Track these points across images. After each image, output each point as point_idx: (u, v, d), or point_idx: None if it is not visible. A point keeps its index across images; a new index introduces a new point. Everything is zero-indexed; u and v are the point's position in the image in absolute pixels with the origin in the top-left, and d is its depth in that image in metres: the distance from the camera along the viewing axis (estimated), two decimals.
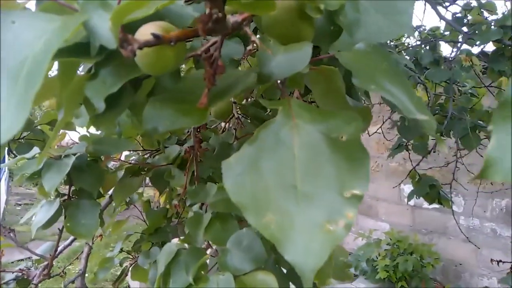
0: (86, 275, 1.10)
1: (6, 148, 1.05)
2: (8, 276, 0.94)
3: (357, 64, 0.35)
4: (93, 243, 1.08)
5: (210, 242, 0.65)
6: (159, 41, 0.29)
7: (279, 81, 0.40)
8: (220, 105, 0.91)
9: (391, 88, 0.33)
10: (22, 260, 3.02)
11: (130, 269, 1.12)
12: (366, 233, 3.47)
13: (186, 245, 0.58)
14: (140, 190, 1.29)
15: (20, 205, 5.39)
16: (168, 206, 1.16)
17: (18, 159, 0.75)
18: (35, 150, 0.73)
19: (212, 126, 1.10)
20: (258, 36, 0.50)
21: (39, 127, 1.17)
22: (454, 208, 3.07)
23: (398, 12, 0.39)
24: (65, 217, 0.72)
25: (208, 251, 0.63)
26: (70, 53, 0.31)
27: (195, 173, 0.78)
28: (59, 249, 0.93)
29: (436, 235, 3.23)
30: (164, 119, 0.34)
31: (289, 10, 0.39)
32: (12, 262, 3.18)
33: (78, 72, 0.37)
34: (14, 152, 1.04)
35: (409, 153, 1.75)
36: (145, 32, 0.30)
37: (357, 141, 0.27)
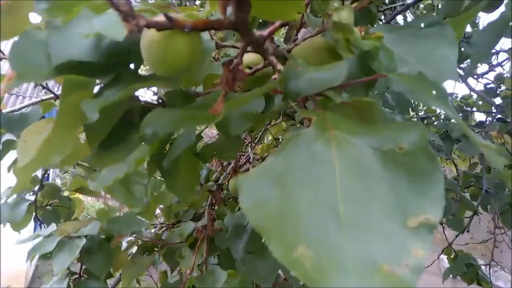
0: None
1: (33, 214, 1.08)
2: None
3: (411, 83, 0.31)
4: None
5: None
6: (172, 24, 0.25)
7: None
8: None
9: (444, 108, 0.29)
10: None
11: None
12: None
13: None
14: None
15: None
16: None
17: (35, 235, 0.77)
18: (52, 227, 0.75)
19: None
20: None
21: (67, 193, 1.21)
22: (501, 284, 2.80)
23: (439, 60, 0.37)
24: None
25: None
26: (77, 70, 0.29)
27: (204, 255, 0.76)
28: None
29: None
30: (166, 121, 0.29)
31: (319, 50, 0.38)
32: None
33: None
34: (39, 218, 1.07)
35: (444, 227, 1.65)
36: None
37: (423, 150, 0.21)
